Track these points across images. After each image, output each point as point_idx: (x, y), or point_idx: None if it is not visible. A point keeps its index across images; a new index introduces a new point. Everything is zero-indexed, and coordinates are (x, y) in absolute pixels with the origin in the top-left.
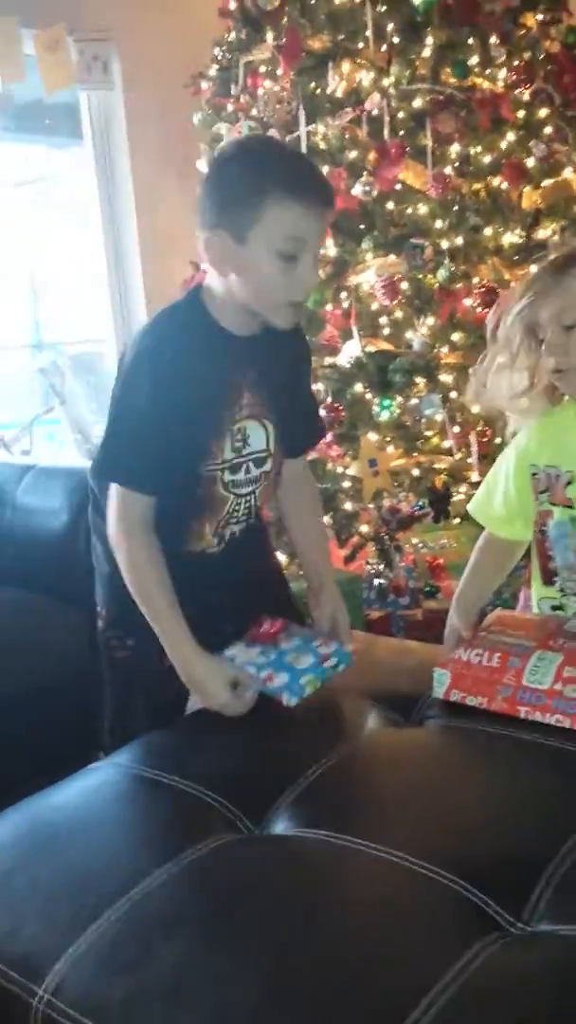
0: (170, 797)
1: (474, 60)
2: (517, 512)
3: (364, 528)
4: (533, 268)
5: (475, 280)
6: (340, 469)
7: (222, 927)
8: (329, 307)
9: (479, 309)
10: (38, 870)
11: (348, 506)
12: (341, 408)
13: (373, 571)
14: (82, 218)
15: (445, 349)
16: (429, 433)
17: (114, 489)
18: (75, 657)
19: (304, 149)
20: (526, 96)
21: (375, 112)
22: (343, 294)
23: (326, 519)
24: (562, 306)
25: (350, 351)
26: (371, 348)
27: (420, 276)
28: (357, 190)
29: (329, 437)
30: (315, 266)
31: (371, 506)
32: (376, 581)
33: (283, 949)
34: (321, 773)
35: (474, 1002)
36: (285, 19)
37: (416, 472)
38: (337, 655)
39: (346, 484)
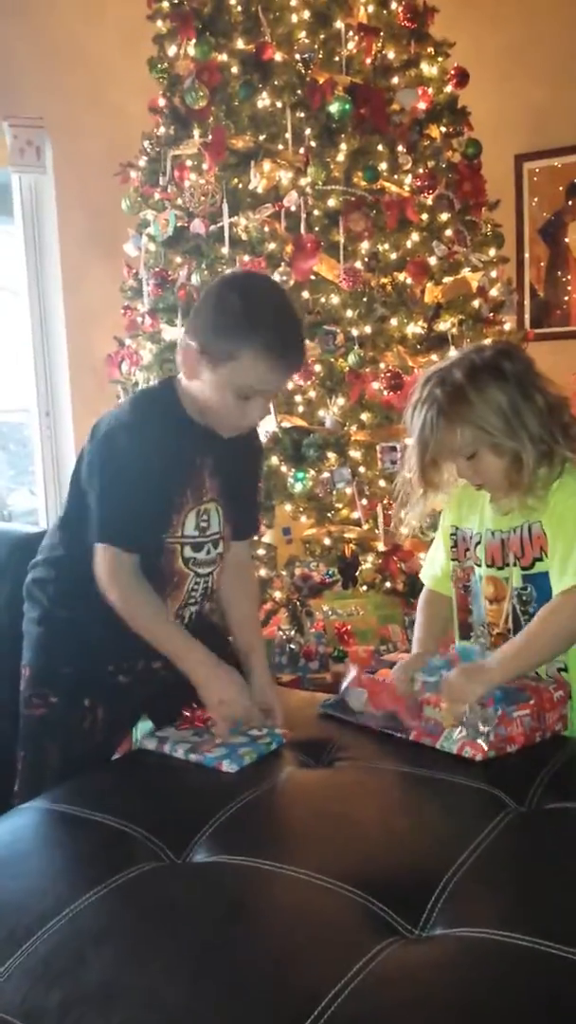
0: (96, 831)
1: (383, 166)
2: (448, 570)
3: (277, 594)
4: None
5: (382, 365)
6: (256, 537)
7: (148, 939)
8: None
9: (385, 392)
10: None
11: (263, 572)
12: None
13: (285, 636)
14: (9, 292)
15: (355, 427)
16: (339, 505)
17: (100, 550)
18: None
19: (227, 240)
20: (429, 201)
21: (293, 208)
22: None
23: None
24: (456, 444)
25: (267, 426)
26: (287, 424)
27: (332, 360)
28: (275, 279)
29: None
30: (265, 406)
31: (284, 573)
32: (288, 646)
33: (203, 955)
34: (238, 808)
35: (373, 993)
36: (211, 118)
37: (327, 541)
38: (271, 736)
39: (261, 551)
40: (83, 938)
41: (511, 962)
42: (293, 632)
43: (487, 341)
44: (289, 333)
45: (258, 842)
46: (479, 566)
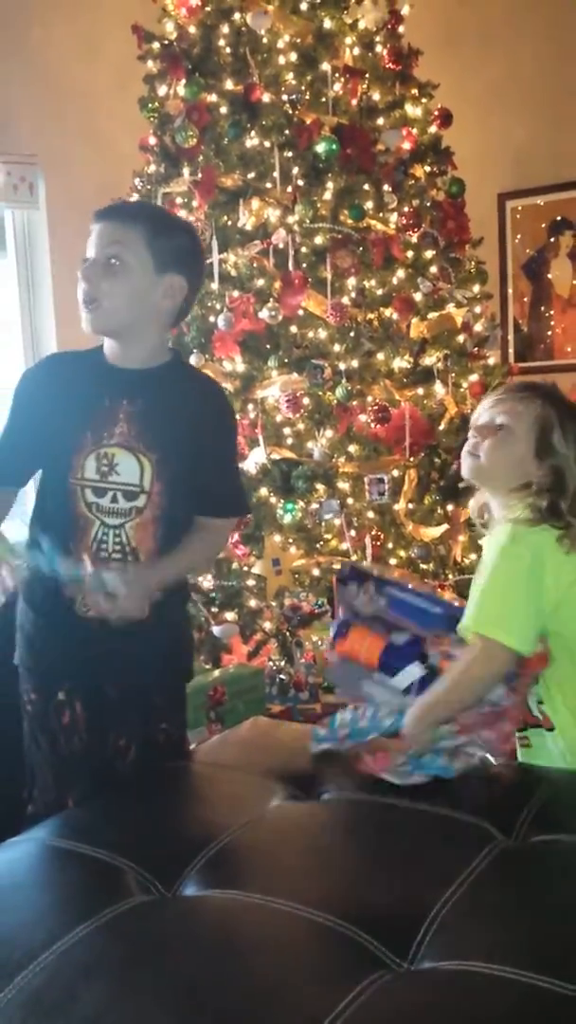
0: (88, 864)
1: (369, 204)
2: None
3: (267, 625)
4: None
5: (369, 399)
6: (245, 568)
7: (139, 973)
8: (237, 417)
9: (373, 425)
10: None
11: (252, 603)
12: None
13: (275, 667)
14: (2, 324)
15: (342, 459)
16: (328, 536)
17: None
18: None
19: (216, 275)
20: (414, 238)
21: (281, 245)
22: (250, 406)
23: (231, 616)
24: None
25: (256, 457)
26: (276, 456)
27: (320, 393)
28: (264, 314)
29: (235, 537)
30: (83, 270)
31: (273, 604)
32: (278, 676)
33: (193, 989)
34: (228, 842)
35: None
36: (201, 157)
37: (316, 572)
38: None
39: (250, 582)
40: (75, 972)
41: (500, 995)
42: (283, 663)
43: (473, 377)
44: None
45: (248, 875)
46: None
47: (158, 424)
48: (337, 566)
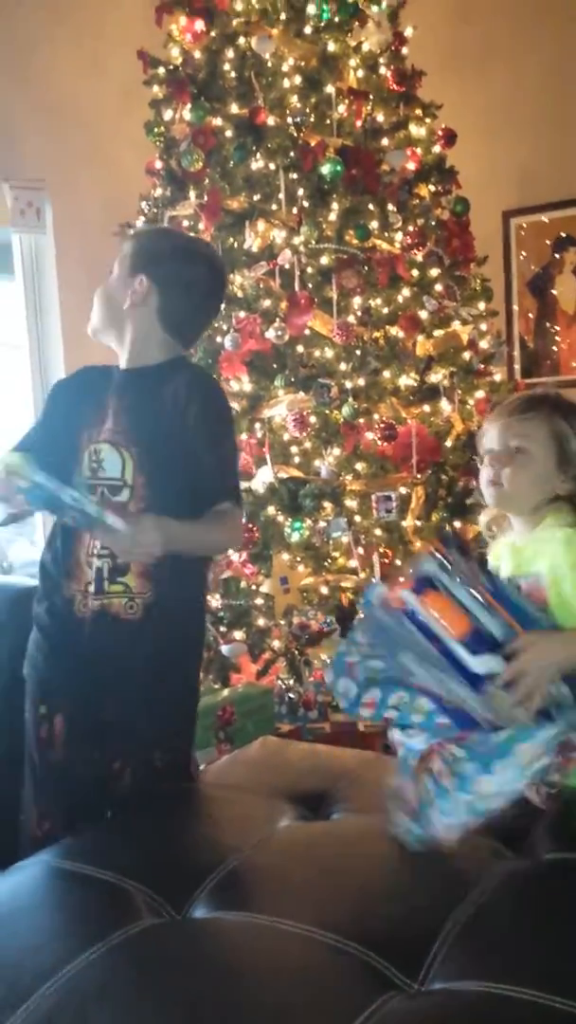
0: (97, 887)
1: (374, 224)
2: None
3: (276, 643)
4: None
5: (375, 417)
6: (253, 586)
7: (149, 996)
8: (244, 436)
9: (379, 442)
10: None
11: (261, 622)
12: (255, 529)
13: (284, 686)
14: (10, 347)
15: (350, 477)
16: (336, 554)
17: None
18: None
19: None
20: (419, 257)
21: (287, 266)
22: (257, 425)
23: (240, 635)
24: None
25: (264, 476)
26: (283, 474)
27: (327, 412)
28: (270, 334)
29: (243, 556)
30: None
31: (282, 622)
32: (287, 695)
33: (204, 1012)
34: (237, 863)
35: None
36: (207, 180)
37: (324, 590)
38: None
39: (259, 601)
40: (85, 995)
41: (512, 1015)
42: (292, 681)
43: (479, 393)
44: None
45: (257, 897)
46: None
47: (141, 418)
48: (347, 584)
